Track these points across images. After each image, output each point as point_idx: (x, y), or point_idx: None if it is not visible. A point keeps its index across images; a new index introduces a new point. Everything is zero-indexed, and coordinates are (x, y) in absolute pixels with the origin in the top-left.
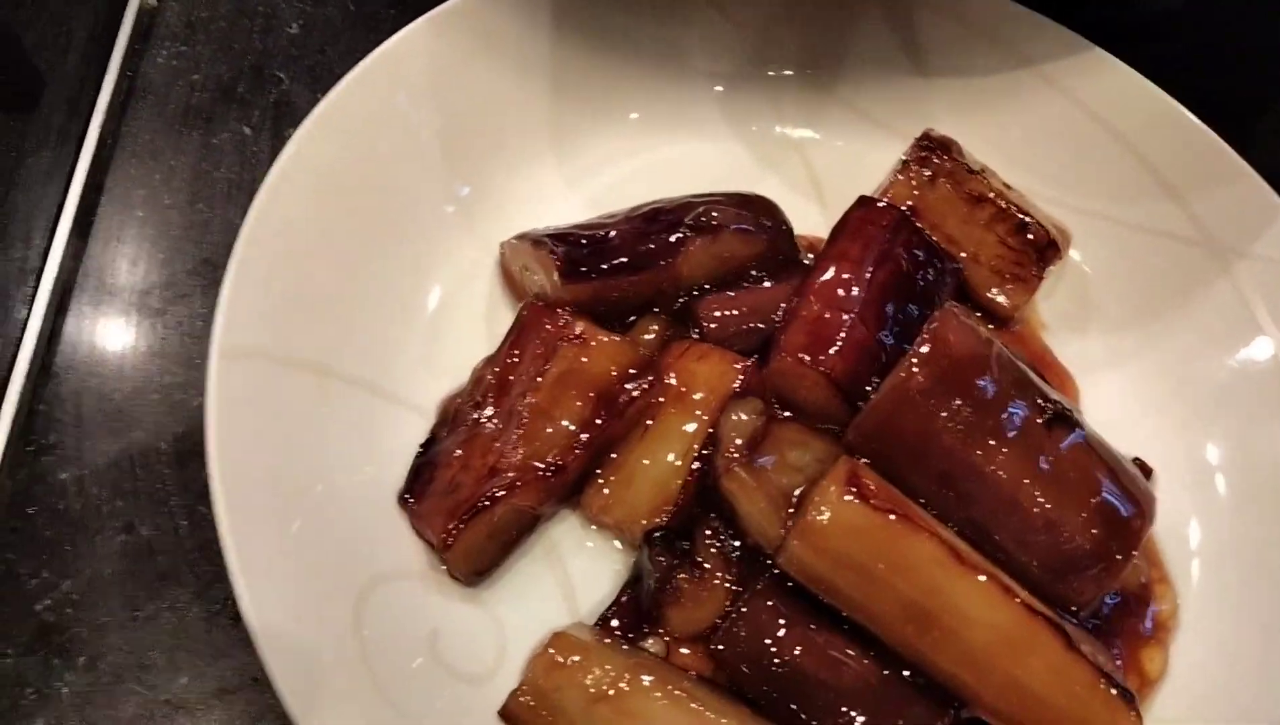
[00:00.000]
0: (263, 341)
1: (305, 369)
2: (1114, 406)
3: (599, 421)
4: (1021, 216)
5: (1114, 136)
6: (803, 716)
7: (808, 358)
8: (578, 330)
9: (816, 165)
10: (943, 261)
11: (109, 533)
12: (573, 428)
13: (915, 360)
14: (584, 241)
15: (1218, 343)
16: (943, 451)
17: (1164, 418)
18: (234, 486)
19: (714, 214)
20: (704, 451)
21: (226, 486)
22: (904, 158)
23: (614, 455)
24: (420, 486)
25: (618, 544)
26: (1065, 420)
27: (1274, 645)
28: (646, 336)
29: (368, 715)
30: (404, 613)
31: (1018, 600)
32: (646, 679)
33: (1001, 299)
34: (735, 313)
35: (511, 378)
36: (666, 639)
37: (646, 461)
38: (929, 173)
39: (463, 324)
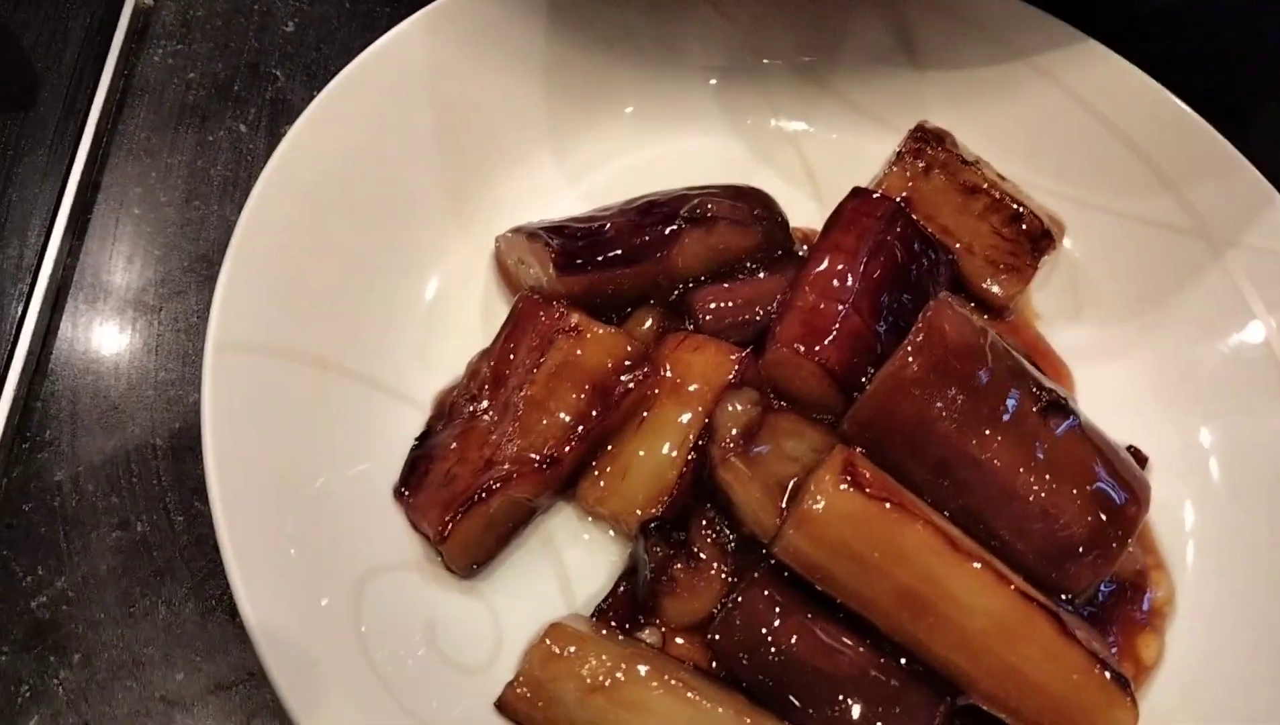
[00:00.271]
0: (258, 336)
1: (301, 363)
2: (1108, 395)
3: (594, 413)
4: (1015, 207)
5: (1107, 127)
6: (799, 705)
7: (803, 348)
8: (573, 322)
9: (811, 158)
10: (937, 252)
11: (104, 529)
12: (568, 419)
13: (910, 350)
14: (579, 234)
15: (1211, 331)
16: (938, 440)
17: (1158, 406)
18: (229, 481)
19: (709, 206)
20: (700, 442)
21: (222, 481)
22: (898, 149)
23: (610, 447)
24: (416, 479)
25: (614, 535)
26: (1060, 408)
27: (1269, 630)
28: (642, 328)
29: (365, 708)
30: (401, 605)
31: (1012, 587)
32: (642, 669)
33: (996, 289)
34: (730, 304)
35: (507, 371)
36: (663, 630)
37: (642, 453)
38: (923, 164)
39: (459, 318)
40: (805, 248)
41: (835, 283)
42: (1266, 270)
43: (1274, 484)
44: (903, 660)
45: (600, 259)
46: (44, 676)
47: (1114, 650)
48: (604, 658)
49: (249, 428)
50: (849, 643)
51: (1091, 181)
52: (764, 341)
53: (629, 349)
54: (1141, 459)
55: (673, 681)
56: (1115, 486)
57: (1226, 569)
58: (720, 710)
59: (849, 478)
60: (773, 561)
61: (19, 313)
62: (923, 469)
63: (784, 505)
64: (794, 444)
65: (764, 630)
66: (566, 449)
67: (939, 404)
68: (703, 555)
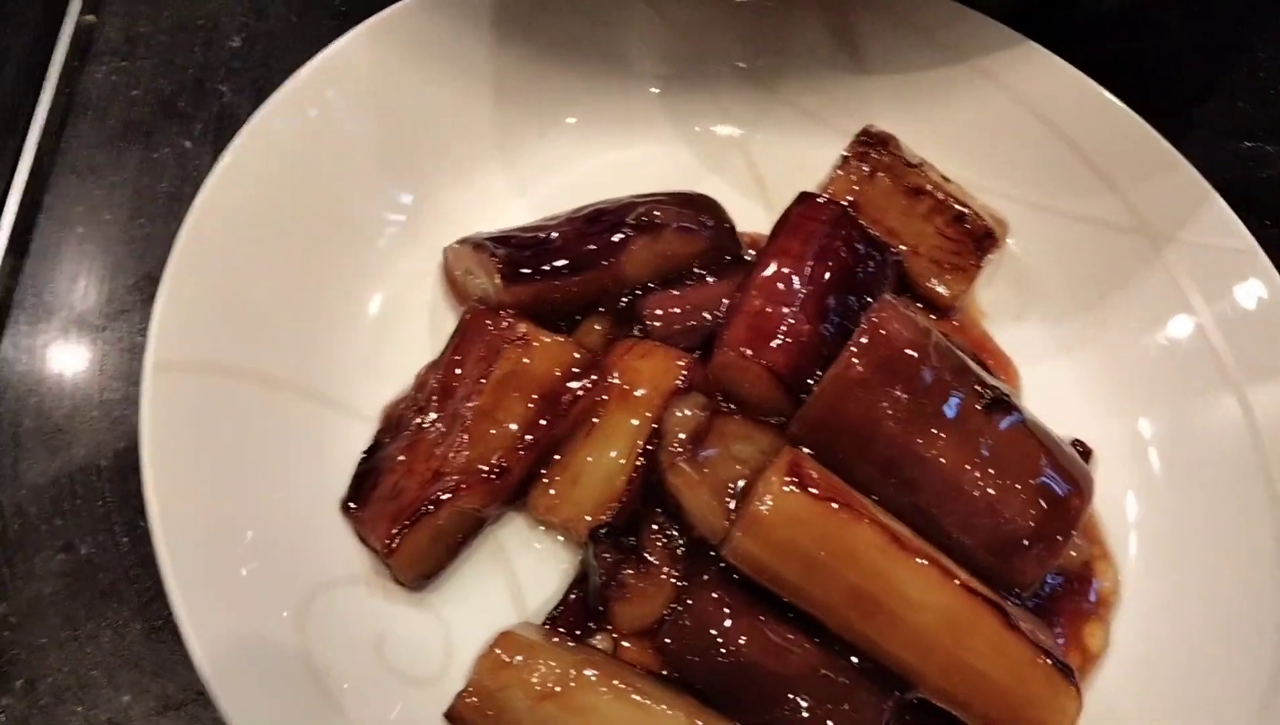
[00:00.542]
0: (199, 354)
1: (245, 379)
2: (1053, 390)
3: (543, 422)
4: (959, 207)
5: (1049, 128)
6: (750, 705)
7: (750, 352)
8: (520, 332)
9: (759, 163)
10: (883, 254)
11: (48, 552)
12: (517, 429)
13: (855, 351)
14: (525, 244)
15: (1152, 325)
16: (885, 439)
17: (1101, 399)
18: (170, 500)
19: (656, 213)
20: (648, 448)
21: (161, 501)
22: (844, 153)
23: (559, 455)
24: (364, 493)
25: (565, 543)
26: (1003, 405)
27: (1211, 614)
28: (591, 337)
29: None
30: (349, 620)
31: (957, 582)
32: (592, 675)
33: (941, 289)
34: (678, 310)
35: (455, 382)
36: (614, 635)
37: (591, 459)
38: (869, 168)
39: (406, 330)
40: (753, 253)
41: (782, 287)
42: (1204, 265)
43: (1212, 472)
44: (853, 658)
45: (547, 268)
46: None
47: (1061, 641)
48: (553, 665)
49: (190, 448)
50: (798, 641)
51: (1035, 181)
52: (712, 346)
53: (577, 357)
54: (1086, 452)
55: (622, 686)
56: (1058, 479)
57: (1168, 557)
58: (670, 712)
59: (795, 479)
60: (722, 564)
61: None
62: (870, 468)
63: (732, 508)
64: (742, 447)
65: (714, 632)
66: (515, 459)
67: (884, 404)
68: (653, 560)
